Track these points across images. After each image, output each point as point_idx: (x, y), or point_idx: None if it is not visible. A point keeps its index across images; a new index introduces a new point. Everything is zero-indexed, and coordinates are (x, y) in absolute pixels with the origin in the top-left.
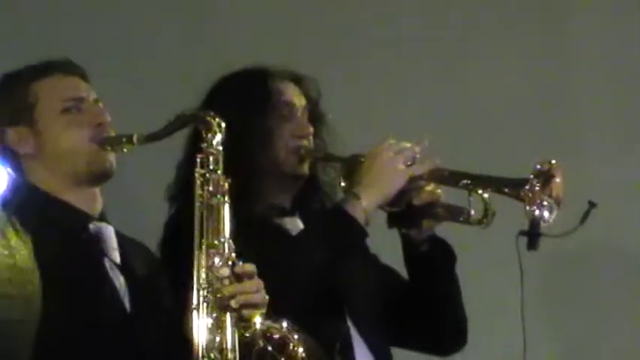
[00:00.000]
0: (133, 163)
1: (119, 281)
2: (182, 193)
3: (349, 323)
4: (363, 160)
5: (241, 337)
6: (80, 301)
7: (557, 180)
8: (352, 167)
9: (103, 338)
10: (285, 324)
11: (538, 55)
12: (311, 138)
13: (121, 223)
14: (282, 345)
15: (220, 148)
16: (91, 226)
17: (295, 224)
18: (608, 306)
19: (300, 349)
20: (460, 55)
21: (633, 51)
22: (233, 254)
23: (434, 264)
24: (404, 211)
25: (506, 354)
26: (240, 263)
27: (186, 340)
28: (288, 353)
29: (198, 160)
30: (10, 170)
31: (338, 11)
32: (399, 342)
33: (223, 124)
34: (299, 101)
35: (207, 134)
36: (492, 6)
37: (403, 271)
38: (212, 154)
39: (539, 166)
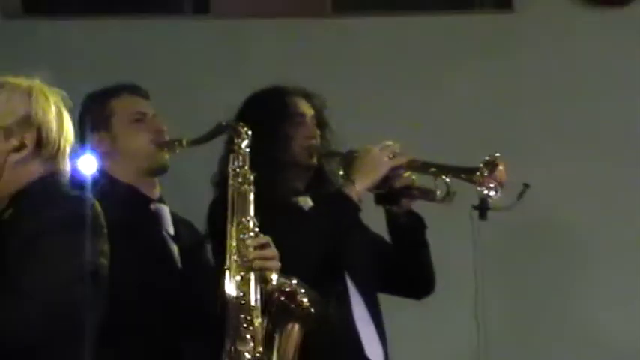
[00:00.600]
0: (187, 160)
1: (174, 247)
2: (221, 182)
3: (347, 278)
4: (357, 155)
5: (261, 290)
6: (149, 260)
7: (500, 168)
8: (349, 160)
9: (166, 288)
10: (294, 281)
11: (490, 75)
12: (318, 139)
13: (177, 205)
14: (291, 296)
15: (247, 150)
16: (152, 206)
17: (307, 202)
18: (542, 262)
19: (305, 299)
20: (431, 77)
21: (560, 73)
22: (256, 228)
23: (410, 232)
24: (387, 193)
25: (460, 304)
26: (261, 235)
27: (222, 292)
28: (296, 301)
29: (231, 158)
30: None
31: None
32: (385, 290)
33: (250, 132)
34: (308, 111)
35: (237, 139)
36: (458, 35)
37: (387, 238)
38: (241, 154)
39: (487, 158)
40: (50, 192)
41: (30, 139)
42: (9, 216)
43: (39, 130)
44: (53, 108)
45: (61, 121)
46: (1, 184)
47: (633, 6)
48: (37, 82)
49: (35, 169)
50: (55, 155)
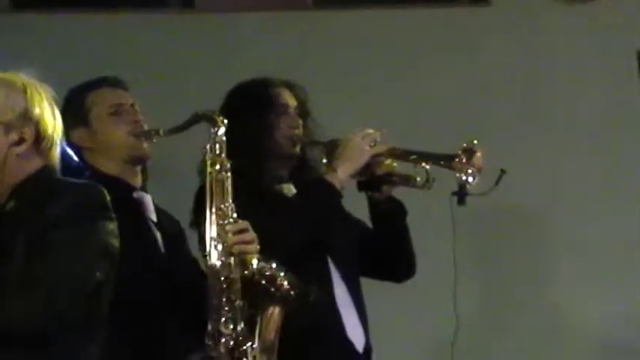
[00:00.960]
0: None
1: (157, 234)
2: (202, 171)
3: (329, 262)
4: (339, 143)
5: (242, 274)
6: (134, 247)
7: (478, 154)
8: (331, 148)
9: (150, 273)
10: (274, 265)
11: (467, 66)
12: (301, 128)
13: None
14: (271, 279)
15: (224, 138)
16: (135, 194)
17: (290, 189)
18: (516, 247)
19: (285, 282)
20: (409, 69)
21: (532, 65)
22: (234, 214)
23: (391, 217)
24: (369, 179)
25: (438, 288)
26: (240, 221)
27: (204, 277)
28: (276, 285)
29: (208, 147)
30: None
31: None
32: (366, 273)
33: (226, 120)
34: (292, 102)
35: (214, 128)
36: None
37: (369, 223)
38: (217, 142)
39: (465, 145)
40: (54, 183)
41: (29, 133)
42: (11, 208)
43: (36, 126)
44: (46, 104)
45: (53, 117)
46: (5, 177)
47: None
48: (29, 79)
49: (33, 163)
50: (50, 149)
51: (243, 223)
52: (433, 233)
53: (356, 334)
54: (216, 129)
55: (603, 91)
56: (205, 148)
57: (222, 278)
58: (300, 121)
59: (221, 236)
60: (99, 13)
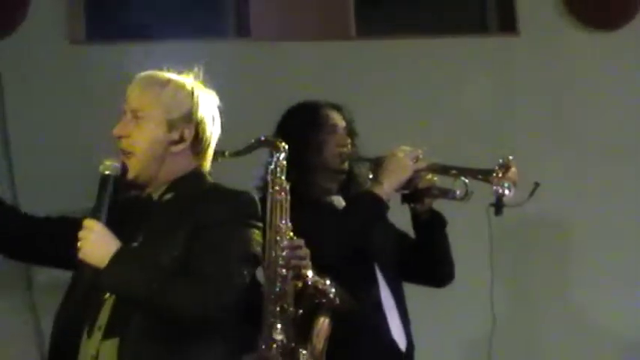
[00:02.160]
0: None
1: None
2: (262, 189)
3: (376, 268)
4: (384, 160)
5: (296, 286)
6: None
7: (513, 169)
8: (376, 165)
9: None
10: (327, 280)
11: (500, 90)
12: (349, 146)
13: None
14: (323, 292)
15: (284, 162)
16: None
17: (340, 201)
18: (549, 253)
19: (336, 297)
20: (445, 92)
21: (558, 87)
22: (290, 232)
23: (432, 227)
24: (412, 193)
25: (475, 292)
26: (295, 238)
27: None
28: (328, 298)
29: (270, 169)
30: None
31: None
32: (409, 279)
33: (286, 146)
34: (340, 122)
35: (275, 153)
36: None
37: (411, 233)
38: (278, 165)
39: (501, 161)
40: (211, 185)
41: (188, 134)
42: (167, 201)
43: (196, 128)
44: (209, 109)
45: (213, 123)
46: (162, 171)
47: (622, 31)
48: (197, 83)
49: (189, 162)
50: (205, 152)
51: (299, 241)
52: (471, 242)
53: (399, 335)
54: (277, 154)
55: (623, 112)
56: (268, 169)
57: (278, 289)
58: (348, 140)
59: (277, 251)
60: (165, 42)
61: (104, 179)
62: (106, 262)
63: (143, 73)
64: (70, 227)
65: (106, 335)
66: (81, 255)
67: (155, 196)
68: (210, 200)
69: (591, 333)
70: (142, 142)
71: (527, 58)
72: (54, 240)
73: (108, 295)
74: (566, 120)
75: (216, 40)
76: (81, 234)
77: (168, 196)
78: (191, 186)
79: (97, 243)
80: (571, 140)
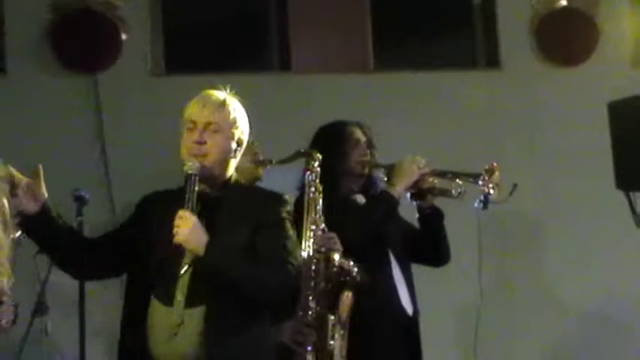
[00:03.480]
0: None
1: None
2: (301, 189)
3: (389, 251)
4: (395, 166)
5: (326, 267)
6: None
7: (497, 174)
8: (390, 170)
9: None
10: (351, 262)
11: (488, 114)
12: (369, 156)
13: None
14: (348, 272)
15: (318, 169)
16: None
17: (361, 199)
18: (526, 241)
19: (358, 276)
20: (444, 116)
21: (533, 111)
22: (322, 224)
23: (433, 220)
24: (417, 192)
25: (466, 272)
26: (326, 230)
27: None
28: (351, 276)
29: (307, 174)
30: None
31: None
32: (414, 260)
33: (320, 156)
34: (362, 137)
35: (311, 161)
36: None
37: (416, 224)
38: (314, 171)
39: (486, 167)
40: (254, 186)
41: (242, 141)
42: (222, 198)
43: (241, 134)
44: (245, 117)
45: (246, 129)
46: (222, 173)
47: (583, 66)
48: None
49: (233, 168)
50: (239, 154)
51: (331, 234)
52: (464, 231)
53: (407, 302)
54: (313, 162)
55: (584, 131)
56: (305, 174)
57: (313, 268)
58: (368, 151)
59: (313, 240)
60: (224, 74)
61: (189, 177)
62: (201, 248)
63: (207, 93)
64: (120, 239)
65: (190, 305)
66: (177, 240)
67: (212, 193)
68: (267, 202)
69: (559, 307)
70: (215, 149)
71: (506, 88)
72: (112, 255)
73: (182, 272)
74: (540, 136)
75: (261, 73)
76: (177, 222)
77: (219, 193)
78: (238, 187)
79: (193, 232)
80: (543, 152)
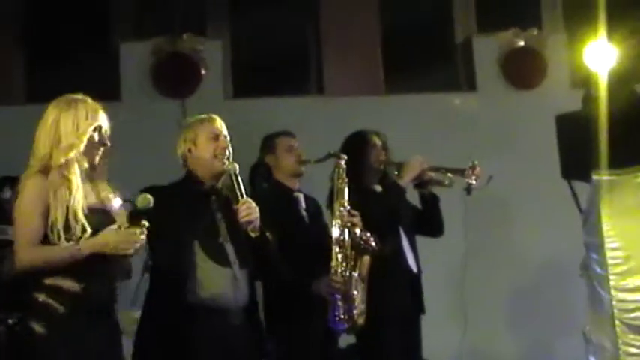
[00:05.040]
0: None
1: (304, 214)
2: (332, 181)
3: (400, 227)
4: (404, 164)
5: (351, 238)
6: (294, 221)
7: (478, 169)
8: (400, 167)
9: (300, 237)
10: (369, 233)
11: (470, 129)
12: (384, 156)
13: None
14: (367, 241)
15: (345, 166)
16: (294, 194)
17: (378, 189)
18: (497, 212)
19: (374, 243)
20: (438, 132)
21: (504, 123)
22: (348, 206)
23: (432, 203)
24: (420, 183)
25: (454, 242)
26: (352, 211)
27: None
28: (369, 244)
29: (336, 170)
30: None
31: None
32: (418, 232)
33: (346, 157)
34: (378, 142)
35: (340, 161)
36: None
37: (419, 206)
38: (342, 168)
39: (469, 163)
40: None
41: None
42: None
43: None
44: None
45: None
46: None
47: (537, 89)
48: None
49: None
50: None
51: (354, 212)
52: (453, 211)
53: (413, 264)
54: (341, 161)
55: (538, 138)
56: (335, 170)
57: (341, 239)
58: (383, 152)
59: (340, 217)
60: (279, 97)
61: (236, 174)
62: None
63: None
64: None
65: (241, 267)
66: (253, 218)
67: (219, 187)
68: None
69: (522, 261)
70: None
71: (482, 106)
72: None
73: (223, 241)
74: (507, 140)
75: (298, 95)
76: (246, 206)
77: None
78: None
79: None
80: (510, 152)
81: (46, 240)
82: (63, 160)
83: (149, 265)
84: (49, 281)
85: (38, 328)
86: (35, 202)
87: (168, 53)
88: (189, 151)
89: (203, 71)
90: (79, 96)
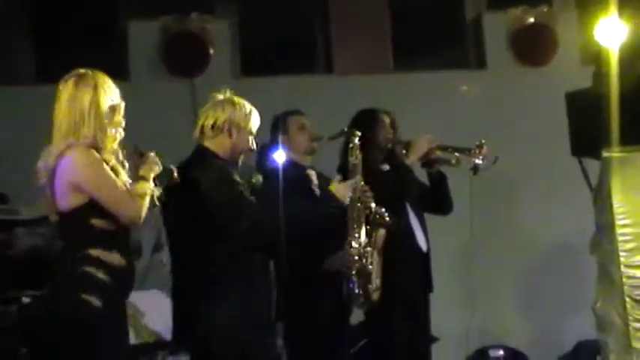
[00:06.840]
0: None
1: (316, 188)
2: (345, 157)
3: (407, 204)
4: (411, 142)
5: (366, 211)
6: (304, 196)
7: (484, 148)
8: (407, 145)
9: (310, 209)
10: (382, 209)
11: (480, 106)
12: (392, 134)
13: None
14: (380, 215)
15: (358, 142)
16: (307, 170)
17: (386, 167)
18: (504, 192)
19: (387, 217)
20: (445, 109)
21: (512, 101)
22: (362, 182)
23: (439, 181)
24: (427, 161)
25: (461, 218)
26: (364, 185)
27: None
28: (382, 218)
29: (350, 146)
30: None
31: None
32: (426, 210)
33: (359, 133)
34: (387, 120)
35: (352, 137)
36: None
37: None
38: (354, 144)
39: (477, 143)
40: None
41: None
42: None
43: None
44: None
45: None
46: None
47: (547, 66)
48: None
49: None
50: None
51: (366, 187)
52: (460, 189)
53: (422, 242)
54: (353, 138)
55: (548, 115)
56: (348, 146)
57: (356, 213)
58: (392, 130)
59: (354, 192)
60: (287, 75)
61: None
62: None
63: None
64: None
65: None
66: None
67: None
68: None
69: (528, 241)
70: None
71: (491, 84)
72: None
73: None
74: (516, 118)
75: (306, 75)
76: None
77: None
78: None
79: None
80: (519, 131)
81: (100, 214)
82: (115, 146)
83: (160, 244)
84: (95, 253)
85: (95, 301)
86: (105, 167)
87: (176, 32)
88: (229, 132)
89: (211, 51)
90: (100, 73)
